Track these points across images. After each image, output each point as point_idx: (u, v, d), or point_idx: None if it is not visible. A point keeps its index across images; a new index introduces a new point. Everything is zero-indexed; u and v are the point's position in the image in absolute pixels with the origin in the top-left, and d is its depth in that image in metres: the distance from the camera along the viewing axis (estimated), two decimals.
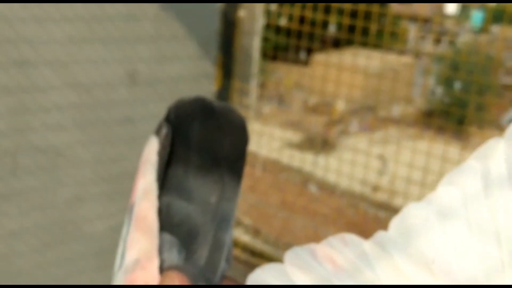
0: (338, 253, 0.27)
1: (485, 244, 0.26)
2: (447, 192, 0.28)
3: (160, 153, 0.30)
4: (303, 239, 1.78)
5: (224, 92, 1.61)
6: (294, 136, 2.52)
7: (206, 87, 1.56)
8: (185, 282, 0.27)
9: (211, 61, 1.56)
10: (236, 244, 1.91)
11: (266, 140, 1.92)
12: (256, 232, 1.98)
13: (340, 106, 2.48)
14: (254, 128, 2.07)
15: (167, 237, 0.30)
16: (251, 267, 0.28)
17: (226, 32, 1.58)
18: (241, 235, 1.98)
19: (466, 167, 0.28)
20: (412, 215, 0.28)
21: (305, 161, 1.97)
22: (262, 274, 0.27)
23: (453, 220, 0.27)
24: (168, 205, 0.30)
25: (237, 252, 1.86)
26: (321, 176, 1.88)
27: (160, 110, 0.32)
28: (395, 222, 0.28)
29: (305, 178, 2.09)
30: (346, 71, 1.65)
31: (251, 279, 0.27)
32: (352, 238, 0.28)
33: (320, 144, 2.37)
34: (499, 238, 0.26)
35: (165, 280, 0.28)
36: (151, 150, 0.30)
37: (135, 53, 1.45)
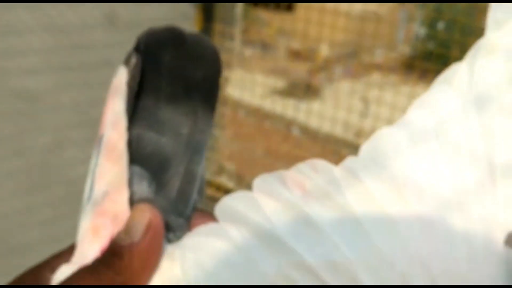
0: (308, 179, 0.27)
1: (456, 168, 0.26)
2: (417, 115, 0.28)
3: (129, 84, 0.29)
4: None
5: (205, 35, 1.59)
6: (278, 82, 2.50)
7: (187, 30, 1.54)
8: (156, 214, 0.27)
9: (191, 3, 1.53)
10: (219, 189, 1.92)
11: (250, 86, 1.91)
12: (239, 178, 1.98)
13: (324, 51, 2.46)
14: (237, 74, 2.05)
15: (137, 169, 0.29)
16: None
17: None
18: (225, 181, 1.99)
19: (434, 92, 0.28)
20: (383, 140, 0.27)
21: (289, 107, 1.97)
22: (231, 201, 0.27)
23: (424, 144, 0.27)
24: (138, 137, 0.30)
25: (220, 195, 1.88)
26: (305, 122, 1.88)
27: None
28: (366, 147, 0.28)
29: (289, 124, 2.09)
30: (330, 15, 1.63)
31: (220, 207, 0.27)
32: (322, 164, 0.27)
33: (304, 90, 2.36)
34: (470, 162, 0.26)
35: (135, 212, 0.27)
36: (120, 81, 0.29)
37: None
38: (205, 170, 0.31)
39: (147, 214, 0.27)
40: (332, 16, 1.60)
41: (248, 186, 0.29)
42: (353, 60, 2.43)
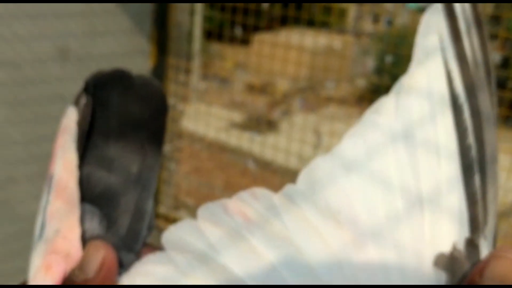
0: (249, 207, 0.28)
1: (387, 195, 0.27)
2: (350, 145, 0.29)
3: (80, 123, 0.30)
4: None
5: (159, 69, 1.60)
6: (237, 116, 2.51)
7: (141, 64, 1.54)
8: (110, 251, 0.27)
9: (146, 37, 1.54)
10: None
11: (208, 120, 1.92)
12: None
13: (283, 86, 2.48)
14: (195, 108, 2.05)
15: (88, 207, 0.30)
16: None
17: (160, 6, 1.56)
18: (184, 216, 1.97)
19: (364, 123, 0.29)
20: (319, 167, 0.28)
21: (247, 141, 1.98)
22: (176, 230, 0.28)
23: (357, 172, 0.28)
24: (89, 176, 0.30)
25: None
26: (263, 156, 1.90)
27: None
28: (303, 175, 0.28)
29: (247, 158, 2.10)
30: (290, 50, 1.65)
31: (166, 236, 0.28)
32: (262, 192, 0.28)
33: (263, 124, 2.38)
34: (399, 189, 0.27)
35: (89, 249, 0.27)
36: (70, 121, 0.30)
37: (66, 29, 1.42)
38: (162, 205, 0.31)
39: (101, 251, 0.27)
40: (290, 51, 1.63)
41: None
42: (312, 94, 2.46)
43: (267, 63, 1.72)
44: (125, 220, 0.30)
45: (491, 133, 0.28)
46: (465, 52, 0.29)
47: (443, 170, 0.27)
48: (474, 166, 0.27)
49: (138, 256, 0.30)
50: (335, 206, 0.27)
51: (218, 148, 2.15)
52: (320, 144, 1.65)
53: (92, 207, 0.30)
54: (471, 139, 0.28)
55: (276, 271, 0.26)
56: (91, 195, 0.30)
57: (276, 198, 0.28)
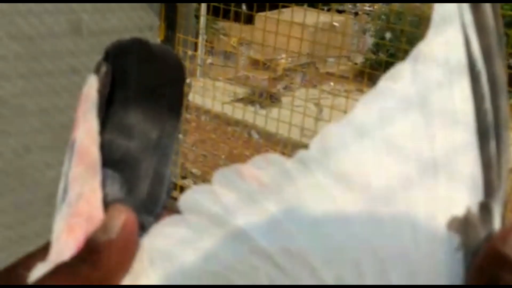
0: (263, 172, 0.28)
1: (401, 161, 0.27)
2: (364, 111, 0.29)
3: (100, 91, 0.31)
4: None
5: (168, 44, 1.64)
6: (240, 90, 2.56)
7: (150, 39, 1.57)
8: (131, 214, 0.28)
9: (155, 13, 1.58)
10: (183, 191, 1.96)
11: (213, 94, 1.97)
12: (204, 181, 2.03)
13: (284, 62, 2.52)
14: (202, 82, 2.11)
15: (109, 172, 0.30)
16: None
17: None
18: (190, 184, 2.03)
19: (379, 90, 0.29)
20: (332, 133, 0.29)
21: (251, 114, 2.04)
22: (193, 194, 0.29)
23: (371, 138, 0.28)
24: (110, 142, 0.31)
25: None
26: (266, 128, 1.96)
27: None
28: (316, 141, 0.29)
29: (249, 129, 2.15)
30: (292, 28, 1.69)
31: (183, 199, 0.29)
32: (275, 157, 0.29)
33: (266, 98, 2.43)
34: (413, 155, 0.28)
35: (111, 212, 0.28)
36: (91, 88, 0.31)
37: (79, 4, 1.43)
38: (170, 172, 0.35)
39: (122, 214, 0.28)
40: (292, 29, 1.68)
41: None
42: (313, 70, 2.51)
43: (270, 40, 1.78)
44: (145, 185, 0.31)
45: (505, 99, 0.28)
46: (483, 18, 0.29)
47: (459, 135, 0.27)
48: (490, 132, 0.27)
49: (157, 219, 0.30)
50: (347, 171, 0.27)
51: (223, 121, 2.21)
52: (321, 117, 1.71)
53: (113, 172, 0.30)
54: (488, 104, 0.28)
55: (291, 235, 0.27)
56: (112, 161, 0.31)
57: (289, 163, 0.28)
